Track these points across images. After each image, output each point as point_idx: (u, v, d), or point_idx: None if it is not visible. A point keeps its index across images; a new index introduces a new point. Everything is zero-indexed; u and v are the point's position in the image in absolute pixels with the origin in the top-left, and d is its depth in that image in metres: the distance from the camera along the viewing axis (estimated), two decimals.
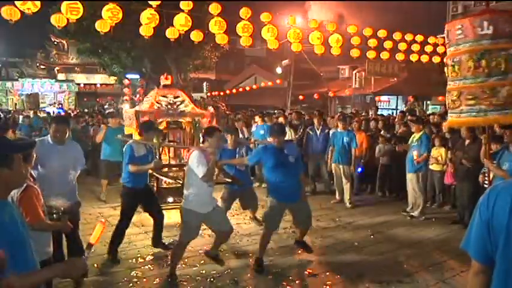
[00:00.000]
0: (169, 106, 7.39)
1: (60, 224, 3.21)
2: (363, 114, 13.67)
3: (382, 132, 8.98)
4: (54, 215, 3.23)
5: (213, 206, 4.54)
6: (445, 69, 4.80)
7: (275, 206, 4.94)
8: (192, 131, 7.60)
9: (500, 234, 1.66)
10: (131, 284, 4.44)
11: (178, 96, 7.60)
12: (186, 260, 5.09)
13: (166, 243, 5.56)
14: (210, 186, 4.45)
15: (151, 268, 4.88)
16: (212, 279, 4.58)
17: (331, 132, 8.82)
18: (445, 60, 4.87)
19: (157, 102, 7.35)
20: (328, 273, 4.82)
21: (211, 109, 12.69)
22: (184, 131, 7.58)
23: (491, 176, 5.31)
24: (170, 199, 6.95)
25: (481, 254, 1.76)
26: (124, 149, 5.33)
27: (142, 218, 6.86)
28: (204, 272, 4.78)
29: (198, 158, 4.28)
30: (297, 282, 4.61)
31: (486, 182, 5.52)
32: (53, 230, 3.25)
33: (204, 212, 4.42)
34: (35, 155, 3.04)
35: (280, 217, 5.08)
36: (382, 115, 13.71)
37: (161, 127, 7.14)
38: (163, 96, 7.46)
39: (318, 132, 8.94)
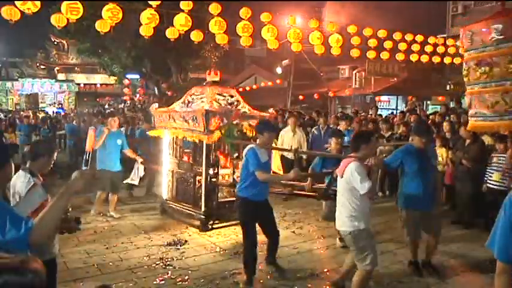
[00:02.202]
0: (229, 106, 6.50)
1: (68, 226, 3.01)
2: (363, 114, 13.66)
3: (382, 132, 8.98)
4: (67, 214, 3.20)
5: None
6: (465, 71, 4.53)
7: (412, 216, 4.67)
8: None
9: None
10: (131, 284, 4.44)
11: (233, 96, 6.75)
12: (187, 260, 5.10)
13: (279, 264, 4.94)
14: (370, 199, 3.88)
15: (152, 268, 4.87)
16: (213, 281, 4.58)
17: None
18: (465, 62, 4.55)
19: (215, 101, 6.39)
20: (328, 273, 4.82)
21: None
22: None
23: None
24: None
25: (503, 253, 1.72)
26: (245, 153, 4.55)
27: (142, 219, 6.88)
28: (204, 272, 4.78)
29: (360, 170, 3.61)
30: (297, 282, 4.60)
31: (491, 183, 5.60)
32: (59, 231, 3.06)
33: (368, 227, 3.89)
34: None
35: (420, 226, 4.70)
36: (381, 115, 13.71)
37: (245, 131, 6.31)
38: (220, 95, 6.57)
39: (323, 131, 9.24)
